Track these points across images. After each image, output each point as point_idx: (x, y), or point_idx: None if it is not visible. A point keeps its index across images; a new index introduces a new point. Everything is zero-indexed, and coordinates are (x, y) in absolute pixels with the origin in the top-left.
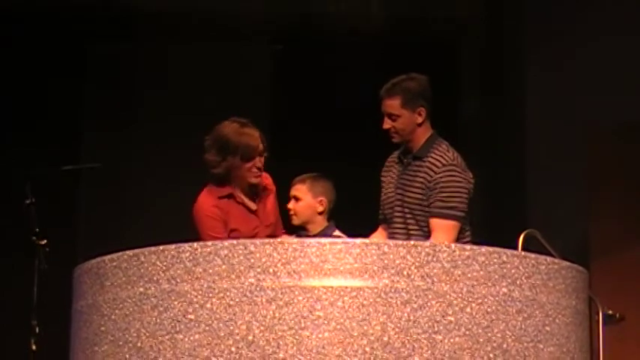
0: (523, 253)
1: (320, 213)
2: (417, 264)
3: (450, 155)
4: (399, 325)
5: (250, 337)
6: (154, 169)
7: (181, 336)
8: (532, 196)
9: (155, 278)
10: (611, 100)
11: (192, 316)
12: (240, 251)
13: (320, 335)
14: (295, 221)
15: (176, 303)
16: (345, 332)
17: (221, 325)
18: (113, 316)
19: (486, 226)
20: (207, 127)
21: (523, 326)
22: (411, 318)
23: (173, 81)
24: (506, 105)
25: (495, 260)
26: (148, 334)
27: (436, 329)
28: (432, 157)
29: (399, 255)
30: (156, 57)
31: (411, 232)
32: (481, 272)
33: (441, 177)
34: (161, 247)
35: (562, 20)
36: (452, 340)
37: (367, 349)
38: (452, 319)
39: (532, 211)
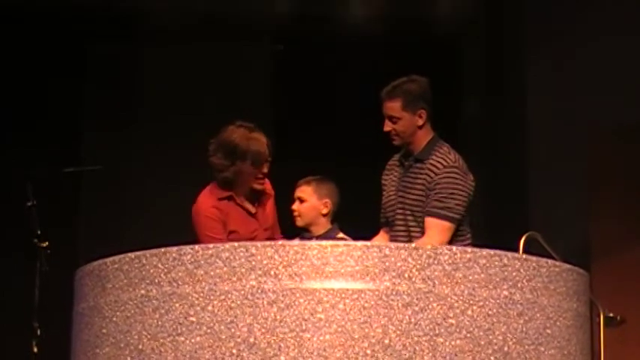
0: (524, 255)
1: (324, 215)
2: (418, 266)
3: (452, 157)
4: (400, 327)
5: (252, 340)
6: (154, 169)
7: (183, 338)
8: (532, 196)
9: (157, 280)
10: (612, 100)
11: (193, 319)
12: (242, 254)
13: (321, 338)
14: (299, 222)
15: (177, 305)
16: (346, 335)
17: (222, 327)
18: (114, 319)
19: (487, 225)
20: (207, 127)
21: (524, 329)
22: (412, 320)
23: (173, 81)
24: (506, 105)
25: (496, 263)
26: (149, 337)
27: (437, 332)
28: (433, 159)
29: (400, 257)
30: (156, 57)
31: (413, 234)
32: (482, 275)
33: (441, 178)
34: (162, 250)
35: (562, 20)
36: (453, 343)
37: (368, 351)
38: (453, 321)
39: (532, 211)
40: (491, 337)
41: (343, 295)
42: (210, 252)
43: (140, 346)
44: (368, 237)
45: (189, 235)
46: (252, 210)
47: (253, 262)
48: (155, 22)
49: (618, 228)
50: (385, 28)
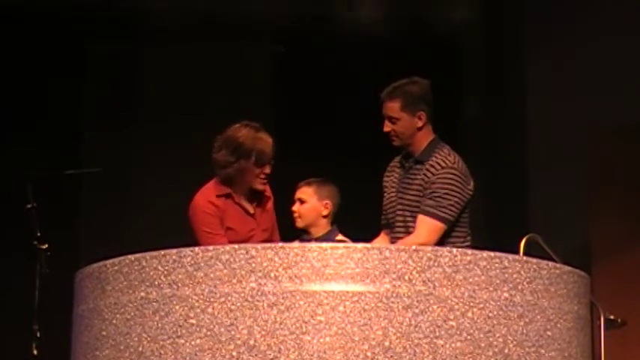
0: (524, 257)
1: (324, 216)
2: (418, 269)
3: (451, 159)
4: (400, 330)
5: (252, 342)
6: (154, 169)
7: (183, 340)
8: (532, 196)
9: (156, 283)
10: (612, 100)
11: (193, 321)
12: (242, 256)
13: (321, 340)
14: (299, 224)
15: (177, 307)
16: (346, 337)
17: (222, 329)
18: (114, 321)
19: (487, 226)
20: (208, 127)
21: (525, 331)
22: (413, 323)
23: (173, 81)
24: (506, 105)
25: (497, 265)
26: (149, 339)
27: (437, 334)
28: (432, 160)
29: (400, 260)
30: (156, 57)
31: None
32: (482, 277)
33: (437, 177)
34: (162, 252)
35: (562, 20)
36: (453, 345)
37: (369, 354)
38: (453, 323)
39: (532, 211)
40: (491, 339)
41: (343, 298)
42: (210, 254)
43: (140, 349)
44: (368, 238)
45: (189, 236)
46: (251, 210)
47: (253, 265)
48: (155, 22)
49: (618, 228)
50: (385, 28)
